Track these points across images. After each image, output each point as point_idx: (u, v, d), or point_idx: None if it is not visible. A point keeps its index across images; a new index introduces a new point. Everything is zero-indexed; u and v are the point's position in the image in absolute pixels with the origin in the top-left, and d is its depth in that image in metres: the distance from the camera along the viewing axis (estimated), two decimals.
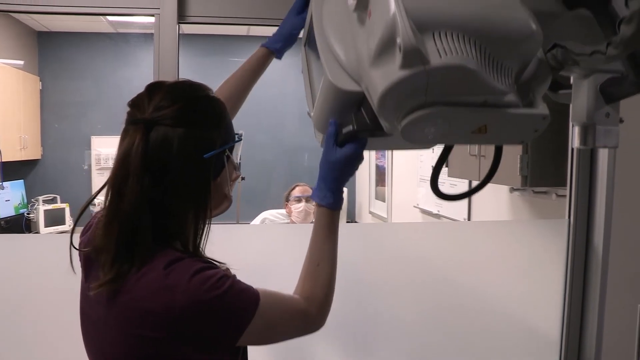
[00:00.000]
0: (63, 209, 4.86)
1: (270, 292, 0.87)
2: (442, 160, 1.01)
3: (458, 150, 2.22)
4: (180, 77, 1.39)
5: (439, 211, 3.45)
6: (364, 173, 5.22)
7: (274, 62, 1.24)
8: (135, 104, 0.85)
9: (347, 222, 5.27)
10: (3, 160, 4.29)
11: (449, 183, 2.88)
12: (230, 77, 1.19)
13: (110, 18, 4.70)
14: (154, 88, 0.86)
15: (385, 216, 4.58)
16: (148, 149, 0.80)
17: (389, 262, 1.65)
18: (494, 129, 0.81)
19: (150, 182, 0.81)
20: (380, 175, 4.82)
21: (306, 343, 1.51)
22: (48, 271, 1.44)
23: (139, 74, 5.14)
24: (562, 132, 1.68)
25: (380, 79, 0.75)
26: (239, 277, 0.85)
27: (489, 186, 1.03)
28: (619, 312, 1.65)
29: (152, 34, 1.48)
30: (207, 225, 0.88)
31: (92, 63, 5.28)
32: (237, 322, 0.81)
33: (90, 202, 0.90)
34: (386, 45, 0.73)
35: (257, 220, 3.20)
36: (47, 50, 5.26)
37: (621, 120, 0.84)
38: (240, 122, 1.13)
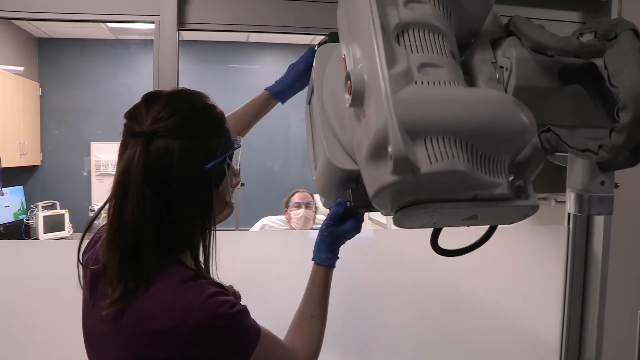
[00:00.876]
0: (62, 215, 4.85)
1: (271, 333, 0.87)
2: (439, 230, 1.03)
3: None
4: (180, 83, 1.39)
5: None
6: None
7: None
8: (133, 115, 0.83)
9: None
10: (3, 166, 4.29)
11: None
12: (231, 114, 1.15)
13: (110, 25, 4.71)
14: (151, 98, 0.84)
15: (385, 222, 4.57)
16: (149, 162, 0.79)
17: (388, 268, 1.64)
18: (484, 216, 0.84)
19: (152, 195, 0.79)
20: None
21: None
22: (47, 277, 1.44)
23: (138, 80, 5.14)
24: None
25: (373, 180, 0.78)
26: (239, 284, 0.85)
27: None
28: (618, 319, 1.65)
29: (151, 40, 1.48)
30: (213, 233, 0.87)
31: (92, 69, 5.28)
32: (243, 347, 0.81)
33: (92, 220, 0.89)
34: (378, 150, 0.74)
35: (256, 227, 3.19)
36: (47, 56, 5.26)
37: (616, 186, 0.87)
38: None
